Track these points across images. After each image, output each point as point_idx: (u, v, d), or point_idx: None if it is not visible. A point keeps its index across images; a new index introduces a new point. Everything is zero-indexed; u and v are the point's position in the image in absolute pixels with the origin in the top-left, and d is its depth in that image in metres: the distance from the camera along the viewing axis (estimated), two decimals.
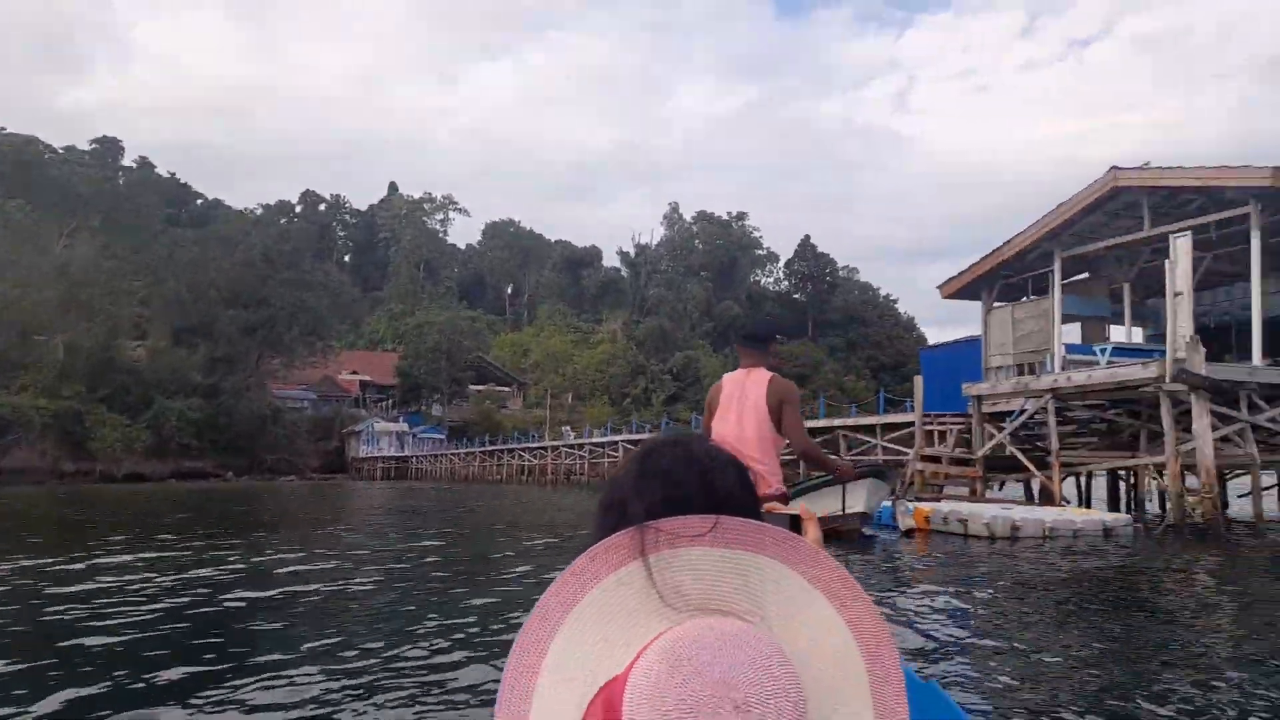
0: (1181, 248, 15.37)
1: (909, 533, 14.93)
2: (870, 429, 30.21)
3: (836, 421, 31.92)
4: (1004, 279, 23.28)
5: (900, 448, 28.99)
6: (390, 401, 79.75)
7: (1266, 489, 17.98)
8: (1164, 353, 17.39)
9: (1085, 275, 23.26)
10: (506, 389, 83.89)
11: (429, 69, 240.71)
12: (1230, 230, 18.57)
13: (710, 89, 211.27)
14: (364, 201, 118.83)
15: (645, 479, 0.86)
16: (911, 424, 27.45)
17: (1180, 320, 15.01)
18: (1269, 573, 11.65)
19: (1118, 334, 22.63)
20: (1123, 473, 21.38)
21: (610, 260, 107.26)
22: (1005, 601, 9.03)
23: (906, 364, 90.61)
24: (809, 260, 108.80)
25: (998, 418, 22.44)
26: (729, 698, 0.64)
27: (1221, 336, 22.25)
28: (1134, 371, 15.27)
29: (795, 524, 1.33)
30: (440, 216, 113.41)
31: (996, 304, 23.69)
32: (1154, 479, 15.64)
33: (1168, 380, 14.65)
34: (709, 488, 0.85)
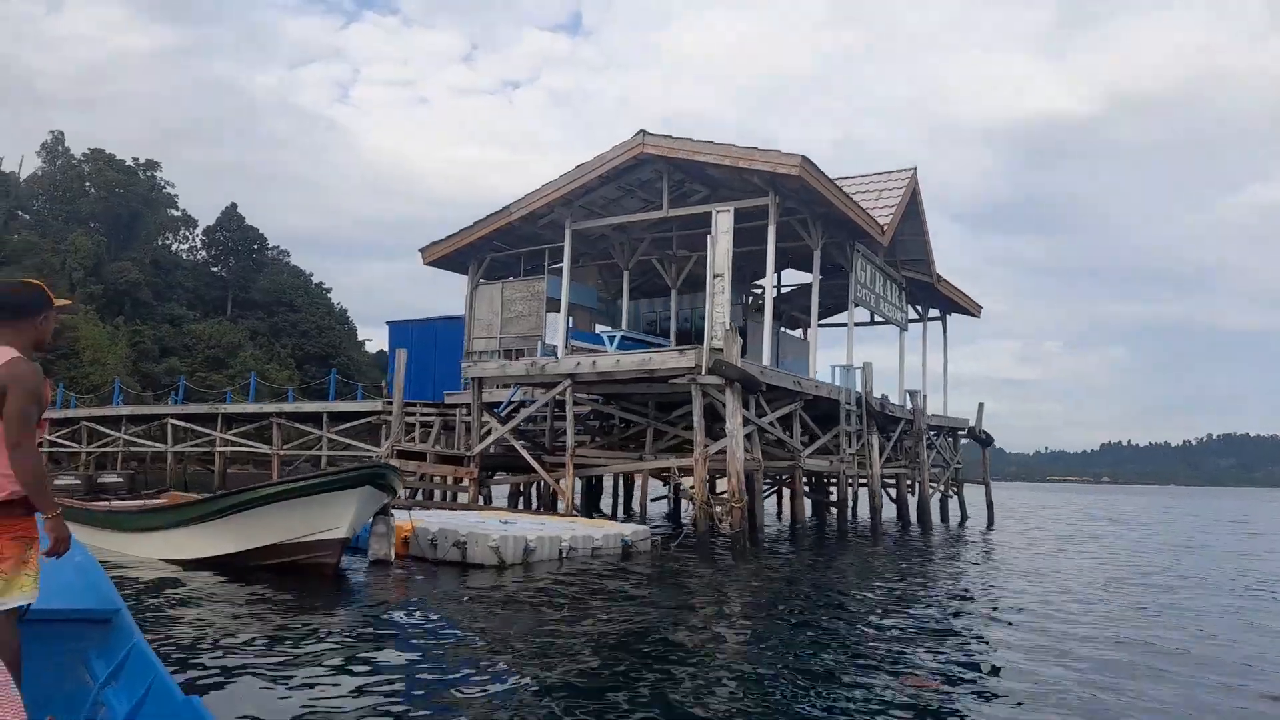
0: (723, 223, 13.77)
1: (382, 562, 10.34)
2: (314, 417, 24.81)
3: (270, 407, 25.76)
4: (494, 252, 20.28)
5: (353, 441, 24.24)
6: None
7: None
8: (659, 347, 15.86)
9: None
10: None
11: None
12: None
13: (117, 18, 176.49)
14: None
15: None
16: (371, 414, 22.96)
17: (718, 306, 13.30)
18: (791, 593, 9.96)
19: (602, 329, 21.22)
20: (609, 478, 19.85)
21: None
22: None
23: (336, 355, 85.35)
24: (234, 231, 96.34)
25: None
26: None
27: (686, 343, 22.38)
28: (669, 359, 13.12)
29: None
30: None
31: (483, 281, 20.57)
32: (677, 483, 13.69)
33: (704, 371, 12.71)
34: None
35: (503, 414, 16.55)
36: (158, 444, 27.44)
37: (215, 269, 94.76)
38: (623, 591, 9.33)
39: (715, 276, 13.44)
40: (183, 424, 26.78)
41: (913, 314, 24.01)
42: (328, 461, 24.86)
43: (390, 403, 21.32)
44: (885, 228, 17.79)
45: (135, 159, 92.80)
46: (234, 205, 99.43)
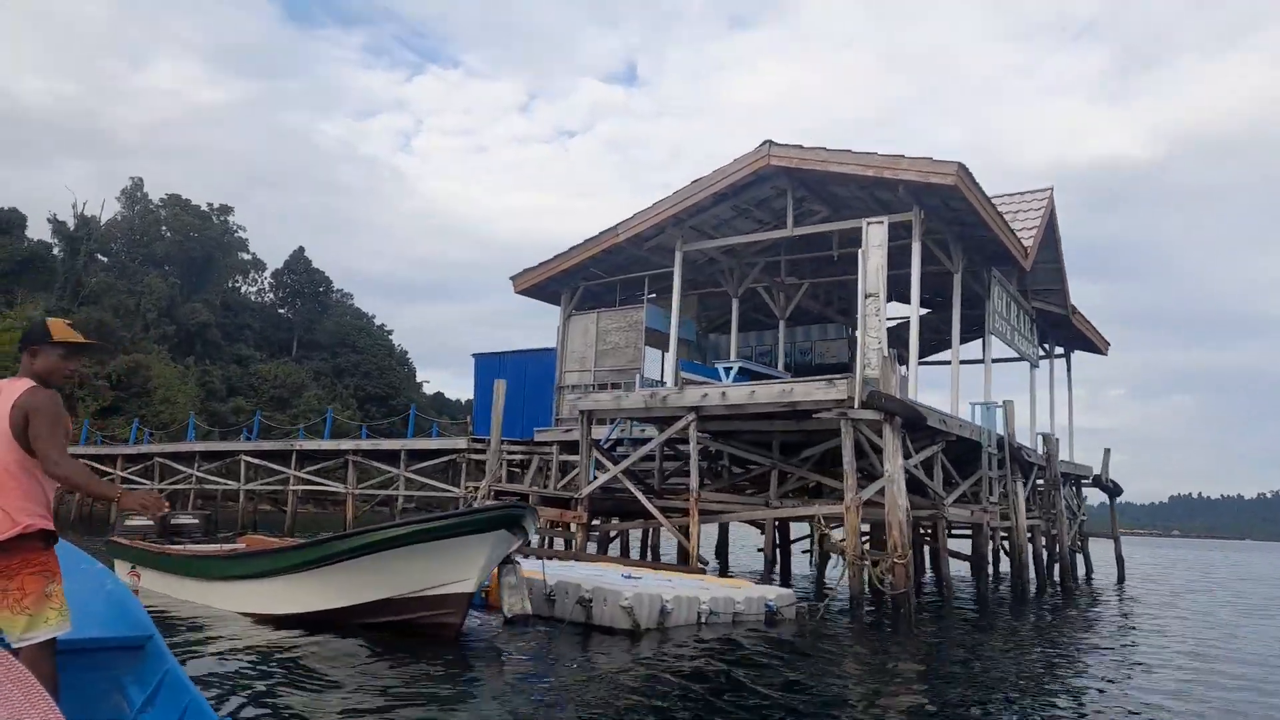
0: (874, 236, 12.17)
1: (518, 619, 8.75)
2: (391, 456, 23.57)
3: (347, 444, 24.63)
4: (587, 280, 18.97)
5: (430, 481, 22.92)
6: None
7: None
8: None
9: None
10: None
11: None
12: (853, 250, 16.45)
13: (196, 73, 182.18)
14: None
15: None
16: (453, 452, 21.63)
17: (871, 329, 11.64)
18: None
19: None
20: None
21: (39, 232, 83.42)
22: None
23: (396, 396, 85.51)
24: (300, 274, 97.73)
25: (573, 447, 17.72)
26: None
27: None
28: (814, 390, 11.45)
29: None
30: None
31: (575, 311, 19.23)
32: (825, 532, 11.92)
33: (857, 404, 11.01)
34: None
35: (637, 450, 15.01)
36: (230, 481, 26.49)
37: (282, 310, 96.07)
38: (785, 674, 7.57)
39: (868, 297, 11.80)
40: (256, 460, 25.80)
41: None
42: (404, 501, 23.58)
43: (477, 440, 19.99)
44: (1029, 251, 16.02)
45: (210, 204, 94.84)
46: (301, 249, 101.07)
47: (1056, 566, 19.71)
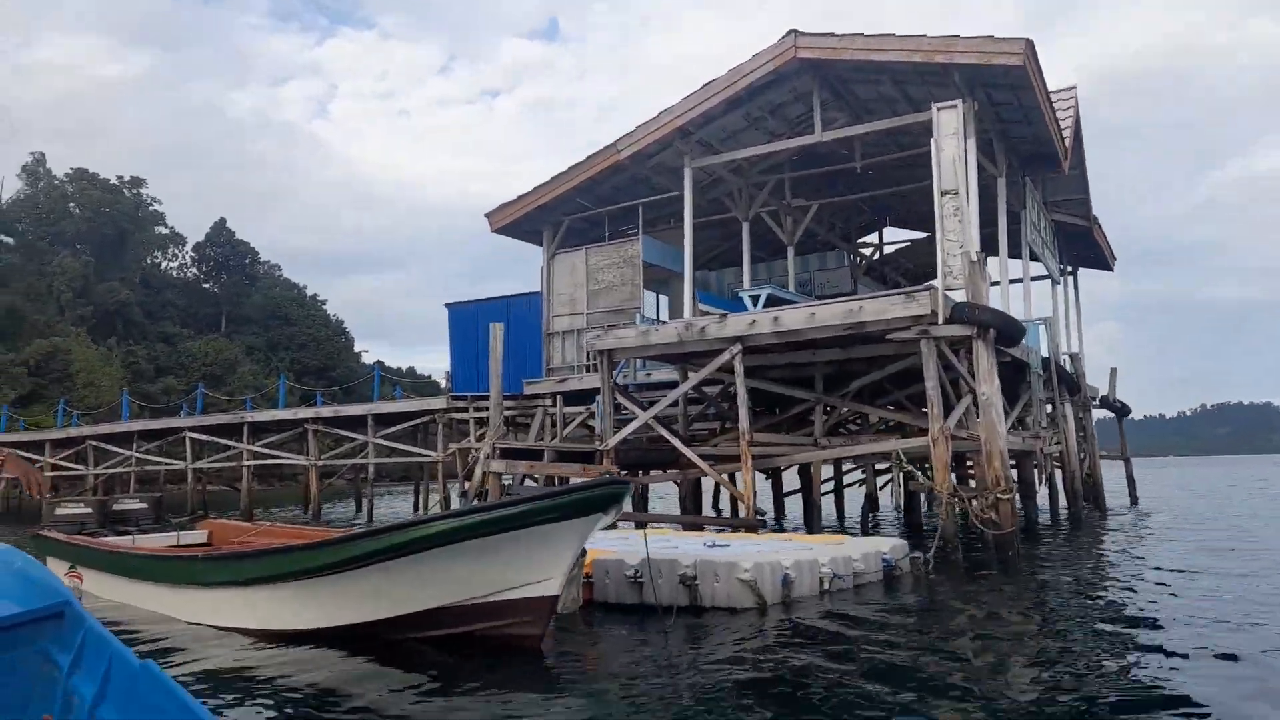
0: (947, 123, 10.42)
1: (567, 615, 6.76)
2: (357, 422, 21.33)
3: (306, 412, 22.27)
4: (571, 215, 16.93)
5: (407, 448, 20.82)
6: None
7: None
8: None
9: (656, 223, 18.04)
10: None
11: None
12: (879, 160, 14.74)
13: (93, 48, 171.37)
14: None
15: None
16: (428, 413, 19.52)
17: (949, 229, 9.94)
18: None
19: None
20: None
21: None
22: None
23: (335, 368, 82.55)
24: (224, 246, 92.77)
25: (571, 398, 15.89)
26: None
27: None
28: (888, 307, 9.72)
29: None
30: None
31: (560, 250, 17.19)
32: (906, 470, 10.31)
33: (941, 320, 9.33)
34: None
35: (671, 393, 13.18)
36: (175, 461, 23.93)
37: (207, 285, 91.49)
38: (948, 644, 5.95)
39: (944, 194, 10.10)
40: (203, 436, 23.29)
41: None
42: (376, 469, 21.45)
43: (458, 398, 17.97)
44: (1068, 152, 14.51)
45: (120, 177, 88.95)
46: (223, 220, 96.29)
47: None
